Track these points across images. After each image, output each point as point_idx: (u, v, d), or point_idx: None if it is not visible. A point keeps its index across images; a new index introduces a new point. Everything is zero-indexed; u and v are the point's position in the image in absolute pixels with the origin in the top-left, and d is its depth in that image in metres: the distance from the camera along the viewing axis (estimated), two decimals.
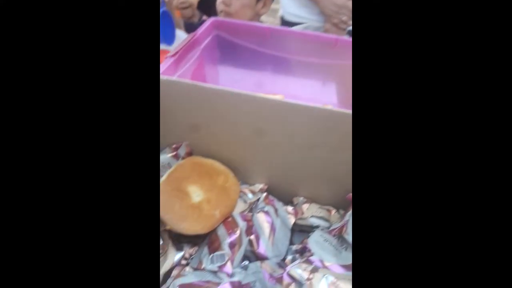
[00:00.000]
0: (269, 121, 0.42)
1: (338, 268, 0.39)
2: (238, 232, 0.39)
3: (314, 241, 0.42)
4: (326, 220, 0.47)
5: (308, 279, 0.34)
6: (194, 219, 0.40)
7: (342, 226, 0.42)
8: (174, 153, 0.48)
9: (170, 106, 0.45)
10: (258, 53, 0.74)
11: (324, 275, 0.34)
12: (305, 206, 0.49)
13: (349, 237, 0.41)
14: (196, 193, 0.42)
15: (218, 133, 0.47)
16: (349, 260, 0.40)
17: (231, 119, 0.44)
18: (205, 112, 0.44)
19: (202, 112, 0.44)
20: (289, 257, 0.43)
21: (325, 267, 0.38)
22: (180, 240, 0.41)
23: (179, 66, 0.60)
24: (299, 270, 0.36)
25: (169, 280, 0.36)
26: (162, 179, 0.43)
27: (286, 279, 0.35)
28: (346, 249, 0.42)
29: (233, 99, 0.42)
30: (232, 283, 0.33)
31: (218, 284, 0.33)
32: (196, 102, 0.44)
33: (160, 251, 0.39)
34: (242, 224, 0.40)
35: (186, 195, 0.41)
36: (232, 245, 0.38)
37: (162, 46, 0.74)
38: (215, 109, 0.44)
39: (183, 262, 0.39)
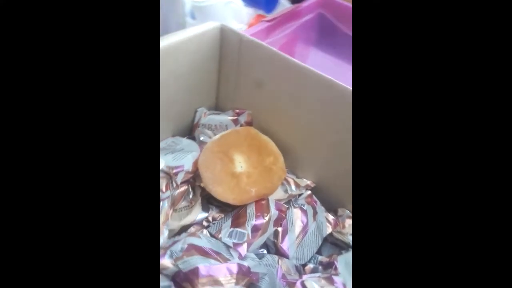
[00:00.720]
0: (338, 114, 0.37)
1: None
2: (267, 218, 0.37)
3: (345, 261, 0.37)
4: None
5: None
6: (229, 187, 0.38)
7: None
8: (235, 117, 0.46)
9: (244, 66, 0.43)
10: None
11: None
12: (348, 221, 0.43)
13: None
14: (240, 164, 0.40)
15: (282, 112, 0.43)
16: None
17: (300, 101, 0.41)
18: (275, 84, 0.41)
19: (272, 82, 0.41)
20: (311, 265, 0.39)
21: None
22: (209, 201, 0.41)
23: (271, 34, 0.58)
24: (315, 284, 0.32)
25: (183, 234, 0.35)
26: (213, 138, 0.42)
27: (298, 287, 0.32)
28: None
29: (308, 79, 0.38)
30: (240, 266, 0.31)
31: (227, 260, 0.31)
32: (269, 69, 0.41)
33: (188, 204, 0.39)
34: (274, 212, 0.37)
35: (230, 161, 0.40)
36: (255, 229, 0.35)
37: (260, 12, 0.72)
38: (286, 84, 0.40)
39: (204, 223, 0.39)
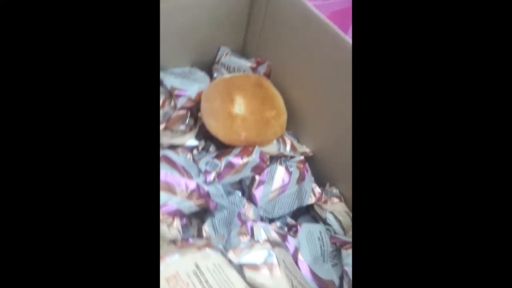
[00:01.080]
0: (349, 82, 0.35)
1: (306, 270, 0.33)
2: (245, 160, 0.37)
3: (308, 230, 0.36)
4: (342, 227, 0.40)
5: (265, 244, 0.30)
6: (222, 124, 0.39)
7: (349, 243, 0.35)
8: (255, 66, 0.46)
9: (272, 13, 0.42)
10: None
11: (282, 258, 0.29)
12: (333, 199, 0.41)
13: (346, 259, 0.33)
14: (239, 106, 0.40)
15: (298, 69, 0.42)
16: (324, 276, 0.33)
17: (315, 60, 0.39)
18: (297, 38, 0.40)
19: (295, 35, 0.40)
20: (278, 223, 0.38)
21: (294, 256, 0.33)
22: (207, 136, 0.42)
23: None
24: (263, 232, 0.32)
25: (166, 148, 0.37)
26: (224, 76, 0.43)
27: (246, 228, 0.32)
28: (331, 265, 0.34)
29: (328, 39, 0.36)
30: (198, 186, 0.32)
31: (191, 179, 0.33)
32: (294, 21, 0.39)
33: (184, 129, 0.41)
34: (254, 158, 0.38)
35: (230, 101, 0.40)
36: (230, 165, 0.36)
37: None
38: (307, 39, 0.38)
39: (194, 151, 0.40)
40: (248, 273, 0.26)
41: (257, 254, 0.27)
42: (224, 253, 0.26)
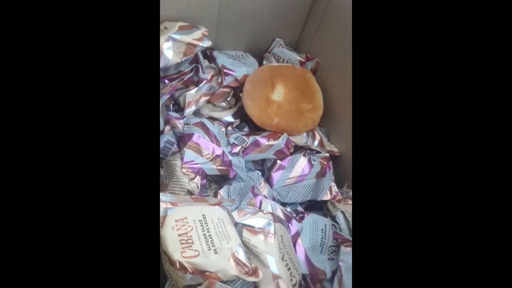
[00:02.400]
0: None
1: (301, 254, 0.35)
2: (270, 142, 0.40)
3: (314, 221, 0.38)
4: (349, 227, 0.40)
5: (268, 223, 0.32)
6: (258, 106, 0.42)
7: (350, 242, 0.36)
8: (304, 60, 0.49)
9: (331, 12, 0.43)
10: None
11: (280, 233, 0.32)
12: (347, 201, 0.42)
13: (343, 256, 0.35)
14: (278, 94, 0.43)
15: (345, 71, 0.43)
16: (318, 264, 0.35)
17: None
18: (350, 39, 0.41)
19: (350, 36, 0.41)
20: (288, 208, 0.41)
21: (294, 238, 0.35)
22: (241, 111, 0.45)
23: None
24: (270, 205, 0.34)
25: (205, 118, 0.42)
26: (273, 64, 0.46)
27: (256, 200, 0.35)
28: (328, 258, 0.36)
29: None
30: (224, 153, 0.36)
31: (219, 146, 0.37)
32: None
33: (226, 106, 0.45)
34: (280, 142, 0.40)
35: (271, 87, 0.43)
36: (256, 143, 0.39)
37: None
38: None
39: (229, 128, 0.44)
40: (245, 233, 0.29)
41: (258, 220, 0.30)
42: (229, 212, 0.30)
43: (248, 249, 0.28)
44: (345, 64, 0.43)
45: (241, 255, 0.26)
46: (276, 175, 0.41)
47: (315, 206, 0.44)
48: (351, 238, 0.37)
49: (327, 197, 0.42)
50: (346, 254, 0.35)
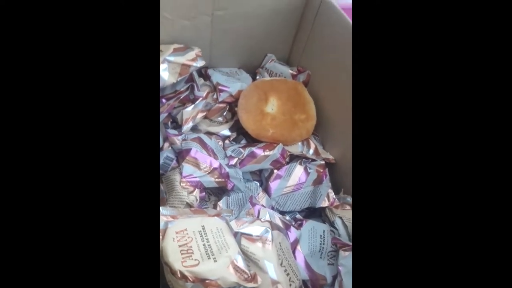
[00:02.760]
0: None
1: (301, 260, 0.36)
2: (266, 153, 0.41)
3: (312, 226, 0.39)
4: (347, 232, 0.41)
5: (265, 232, 0.33)
6: (253, 119, 0.44)
7: (349, 246, 0.37)
8: (296, 73, 0.51)
9: (318, 27, 0.46)
10: None
11: (278, 240, 0.33)
12: (345, 206, 0.43)
13: (342, 260, 0.35)
14: (272, 106, 0.45)
15: (335, 82, 0.45)
16: (318, 269, 0.36)
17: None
18: (338, 54, 0.43)
19: (337, 51, 0.43)
20: (287, 217, 0.42)
21: (293, 245, 0.36)
22: (238, 124, 0.47)
23: None
24: (269, 215, 0.36)
25: (202, 133, 0.44)
26: (265, 78, 0.48)
27: (254, 210, 0.36)
28: (327, 263, 0.37)
29: None
30: (221, 166, 0.37)
31: (216, 159, 0.38)
32: (337, 37, 0.43)
33: (222, 120, 0.47)
34: (275, 153, 0.42)
35: (265, 100, 0.45)
36: (252, 154, 0.41)
37: None
38: (348, 57, 0.41)
39: (226, 141, 0.46)
40: (244, 241, 0.30)
41: (256, 229, 0.31)
42: (228, 222, 0.31)
43: (247, 256, 0.29)
44: (334, 74, 0.45)
45: (240, 262, 0.27)
46: (273, 185, 0.42)
47: (314, 213, 0.45)
48: (350, 243, 0.37)
49: (325, 203, 0.43)
50: (345, 258, 0.36)
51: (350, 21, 0.41)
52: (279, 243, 0.33)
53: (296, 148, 0.46)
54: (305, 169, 0.44)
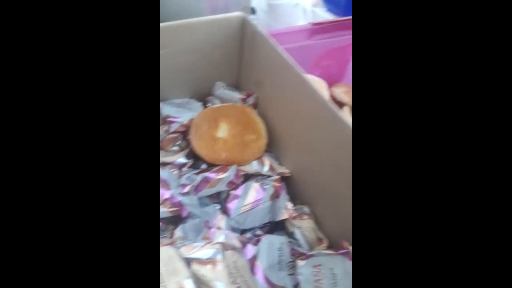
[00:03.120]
0: (319, 125, 0.40)
1: (260, 275, 0.37)
2: (220, 176, 0.43)
3: (270, 241, 0.40)
4: (308, 243, 0.43)
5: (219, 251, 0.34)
6: (205, 145, 0.46)
7: (305, 255, 0.38)
8: (245, 97, 0.54)
9: (254, 56, 0.49)
10: None
11: (232, 259, 0.34)
12: (303, 216, 0.45)
13: (300, 269, 0.37)
14: (223, 131, 0.47)
15: (276, 104, 0.48)
16: (278, 282, 0.37)
17: (288, 101, 0.45)
18: (273, 81, 0.46)
19: (272, 77, 0.47)
20: (248, 234, 0.43)
21: (251, 262, 0.37)
22: (193, 151, 0.49)
23: (315, 36, 0.61)
24: (222, 237, 0.37)
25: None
26: (215, 105, 0.51)
27: (210, 234, 0.38)
28: (287, 274, 0.38)
29: (296, 86, 0.42)
30: (172, 196, 0.39)
31: (167, 189, 0.40)
32: (270, 65, 0.46)
33: (177, 149, 0.49)
34: (229, 174, 0.44)
35: (215, 126, 0.47)
36: (205, 179, 0.43)
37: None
38: (281, 83, 0.45)
39: (184, 168, 0.48)
40: (194, 265, 0.31)
41: (206, 252, 0.32)
42: (178, 249, 0.32)
43: (198, 279, 0.31)
44: (277, 95, 0.48)
45: (189, 286, 0.28)
46: (231, 205, 0.44)
47: (276, 227, 0.47)
48: (306, 252, 0.39)
49: (284, 216, 0.45)
50: (303, 267, 0.37)
51: (278, 46, 0.44)
52: (233, 262, 0.34)
53: (251, 167, 0.48)
54: (261, 185, 0.46)
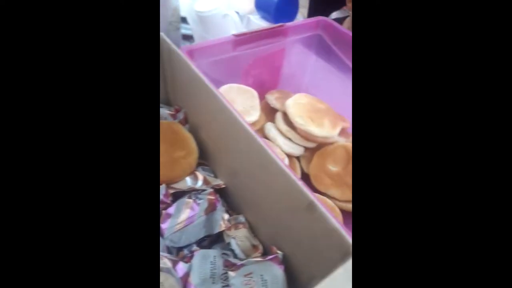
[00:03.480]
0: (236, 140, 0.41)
1: None
2: None
3: (202, 256, 0.41)
4: (244, 252, 0.44)
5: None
6: None
7: (235, 265, 0.40)
8: (174, 113, 0.54)
9: (175, 73, 0.49)
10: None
11: (160, 282, 0.35)
12: (238, 226, 0.47)
13: (232, 280, 0.38)
14: None
15: (203, 117, 0.49)
16: None
17: (211, 116, 0.46)
18: (195, 98, 0.47)
19: (194, 95, 0.47)
20: (185, 251, 0.44)
21: (183, 279, 0.38)
22: None
23: (240, 47, 0.63)
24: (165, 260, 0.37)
25: None
26: None
27: None
28: (221, 285, 0.39)
29: (213, 104, 0.43)
30: None
31: None
32: (188, 83, 0.47)
33: None
34: (160, 196, 0.44)
35: None
36: None
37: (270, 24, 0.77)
38: (200, 102, 0.46)
39: None
40: None
41: None
42: None
43: None
44: (201, 111, 0.49)
45: None
46: (165, 225, 0.44)
47: (217, 240, 0.48)
48: (237, 262, 0.40)
49: (221, 228, 0.46)
50: (234, 277, 0.38)
51: (192, 62, 0.45)
52: (160, 283, 0.34)
53: (184, 184, 0.48)
54: (195, 201, 0.46)
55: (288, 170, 0.35)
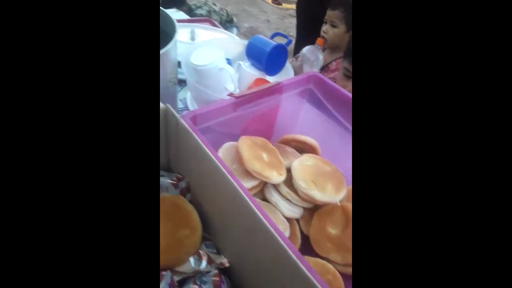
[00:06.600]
0: (243, 216, 0.39)
1: None
2: None
3: None
4: None
5: None
6: None
7: None
8: (176, 182, 0.51)
9: (181, 144, 0.47)
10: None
11: None
12: None
13: None
14: None
15: (208, 189, 0.47)
16: None
17: (216, 190, 0.44)
18: (200, 167, 0.45)
19: (199, 164, 0.45)
20: None
21: None
22: None
23: (240, 107, 0.62)
24: None
25: None
26: None
27: None
28: None
29: (219, 177, 0.41)
30: None
31: None
32: (195, 156, 0.45)
33: None
34: (164, 286, 0.40)
35: None
36: None
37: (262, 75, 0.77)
38: (206, 173, 0.44)
39: None
40: None
41: None
42: None
43: None
44: (205, 181, 0.47)
45: None
46: None
47: None
48: None
49: None
50: None
51: (199, 136, 0.43)
52: None
53: (189, 266, 0.45)
54: (200, 286, 0.43)
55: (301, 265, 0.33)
